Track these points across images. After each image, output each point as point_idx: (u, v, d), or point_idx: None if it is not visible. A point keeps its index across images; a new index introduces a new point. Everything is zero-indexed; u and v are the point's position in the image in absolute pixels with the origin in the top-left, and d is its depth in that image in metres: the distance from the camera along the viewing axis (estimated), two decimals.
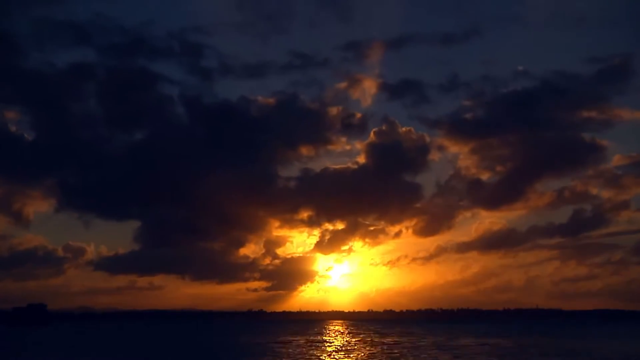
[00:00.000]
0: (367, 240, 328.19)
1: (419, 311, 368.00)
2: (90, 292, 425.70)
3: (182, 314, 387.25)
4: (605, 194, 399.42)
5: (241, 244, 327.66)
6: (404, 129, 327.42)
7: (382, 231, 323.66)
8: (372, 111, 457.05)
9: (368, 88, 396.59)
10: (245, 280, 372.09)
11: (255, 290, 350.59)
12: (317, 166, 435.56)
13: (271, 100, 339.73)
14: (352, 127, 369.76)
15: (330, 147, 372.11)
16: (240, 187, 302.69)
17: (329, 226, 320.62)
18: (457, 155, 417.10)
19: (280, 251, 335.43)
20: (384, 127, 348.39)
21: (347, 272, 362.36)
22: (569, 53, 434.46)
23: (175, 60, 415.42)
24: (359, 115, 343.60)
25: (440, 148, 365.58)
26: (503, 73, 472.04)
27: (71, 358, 78.46)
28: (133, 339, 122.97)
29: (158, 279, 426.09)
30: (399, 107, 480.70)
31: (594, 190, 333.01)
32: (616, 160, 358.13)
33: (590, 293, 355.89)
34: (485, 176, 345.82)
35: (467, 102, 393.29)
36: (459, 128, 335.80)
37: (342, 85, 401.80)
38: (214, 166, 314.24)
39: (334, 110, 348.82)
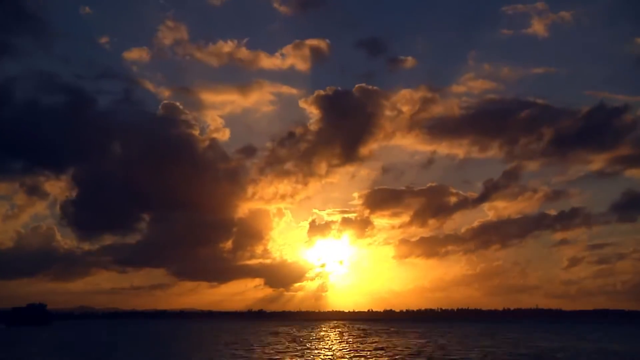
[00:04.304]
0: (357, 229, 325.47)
1: (419, 311, 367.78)
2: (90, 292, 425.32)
3: (182, 315, 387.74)
4: None
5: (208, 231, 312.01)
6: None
7: (368, 220, 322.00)
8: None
9: None
10: (239, 277, 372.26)
11: (254, 287, 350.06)
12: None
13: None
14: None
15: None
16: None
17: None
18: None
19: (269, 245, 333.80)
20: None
21: (346, 271, 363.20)
22: None
23: None
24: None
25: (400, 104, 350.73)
26: None
27: (71, 358, 78.29)
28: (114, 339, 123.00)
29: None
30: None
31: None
32: None
33: (592, 292, 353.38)
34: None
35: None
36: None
37: None
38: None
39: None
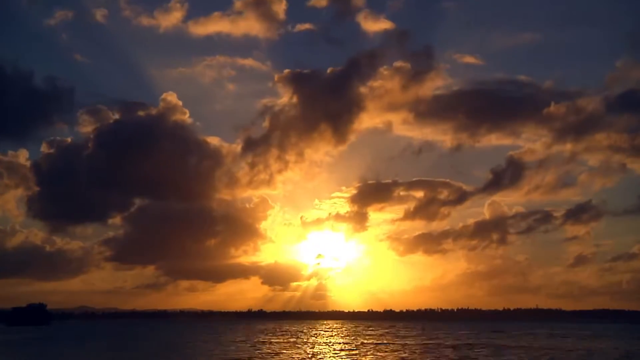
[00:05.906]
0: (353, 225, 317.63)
1: (419, 311, 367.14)
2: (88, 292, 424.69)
3: (183, 315, 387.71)
4: None
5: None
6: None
7: (360, 216, 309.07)
8: None
9: None
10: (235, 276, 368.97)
11: (254, 287, 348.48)
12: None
13: None
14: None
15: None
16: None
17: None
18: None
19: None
20: None
21: (343, 268, 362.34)
22: None
23: None
24: None
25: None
26: None
27: (71, 358, 78.12)
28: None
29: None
30: None
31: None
32: None
33: (597, 292, 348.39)
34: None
35: None
36: None
37: None
38: None
39: None
